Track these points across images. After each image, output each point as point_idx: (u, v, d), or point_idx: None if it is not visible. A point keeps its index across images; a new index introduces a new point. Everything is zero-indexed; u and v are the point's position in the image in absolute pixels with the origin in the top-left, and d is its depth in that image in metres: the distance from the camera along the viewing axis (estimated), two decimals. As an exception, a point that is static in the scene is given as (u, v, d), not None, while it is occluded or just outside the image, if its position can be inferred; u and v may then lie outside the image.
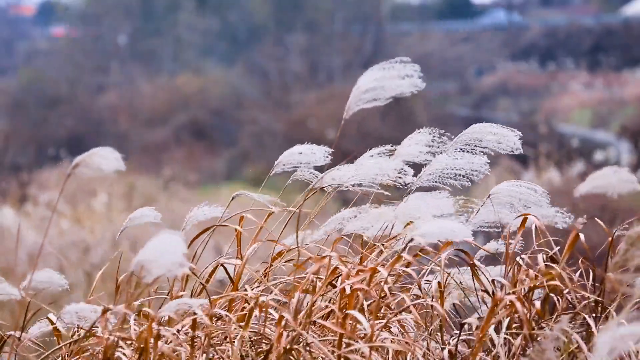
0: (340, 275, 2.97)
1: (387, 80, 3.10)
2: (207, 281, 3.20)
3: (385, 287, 2.98)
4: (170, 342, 2.88)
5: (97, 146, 2.91)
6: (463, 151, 3.27)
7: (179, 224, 3.37)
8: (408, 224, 3.10)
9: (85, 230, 13.50)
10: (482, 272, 3.11)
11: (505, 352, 2.98)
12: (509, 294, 2.93)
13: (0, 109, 34.45)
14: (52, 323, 3.09)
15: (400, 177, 3.25)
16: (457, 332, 3.07)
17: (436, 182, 3.26)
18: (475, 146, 3.26)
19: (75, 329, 3.06)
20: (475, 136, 3.27)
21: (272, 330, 2.92)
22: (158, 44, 40.78)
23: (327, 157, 3.36)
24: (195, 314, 2.88)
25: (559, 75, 38.44)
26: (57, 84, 36.19)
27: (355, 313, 2.79)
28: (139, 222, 3.27)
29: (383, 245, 3.17)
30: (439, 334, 3.07)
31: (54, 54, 39.75)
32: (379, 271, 2.90)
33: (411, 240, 2.90)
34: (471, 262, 3.10)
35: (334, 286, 3.00)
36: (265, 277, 3.19)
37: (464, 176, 3.24)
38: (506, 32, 41.71)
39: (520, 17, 44.67)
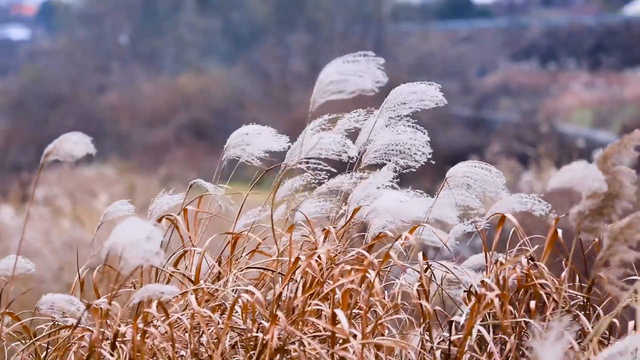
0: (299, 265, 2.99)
1: (350, 74, 3.09)
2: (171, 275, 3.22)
3: (378, 287, 2.98)
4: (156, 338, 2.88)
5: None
6: (393, 119, 3.27)
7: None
8: (357, 210, 3.12)
9: (85, 229, 13.50)
10: (462, 270, 3.12)
11: (498, 352, 2.99)
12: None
13: (2, 109, 34.42)
14: (17, 319, 3.10)
15: (344, 152, 3.25)
16: (442, 328, 3.08)
17: (382, 159, 3.27)
18: (401, 112, 3.25)
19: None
20: (398, 100, 3.28)
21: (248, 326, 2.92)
22: (159, 44, 40.76)
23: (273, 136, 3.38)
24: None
25: (560, 75, 38.36)
26: (58, 84, 36.16)
27: (339, 313, 2.78)
28: (114, 215, 3.29)
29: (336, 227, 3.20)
30: (427, 332, 3.08)
31: (56, 54, 39.72)
32: (369, 273, 2.91)
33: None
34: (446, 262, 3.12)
35: (322, 285, 3.00)
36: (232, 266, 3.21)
37: (409, 155, 3.24)
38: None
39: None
